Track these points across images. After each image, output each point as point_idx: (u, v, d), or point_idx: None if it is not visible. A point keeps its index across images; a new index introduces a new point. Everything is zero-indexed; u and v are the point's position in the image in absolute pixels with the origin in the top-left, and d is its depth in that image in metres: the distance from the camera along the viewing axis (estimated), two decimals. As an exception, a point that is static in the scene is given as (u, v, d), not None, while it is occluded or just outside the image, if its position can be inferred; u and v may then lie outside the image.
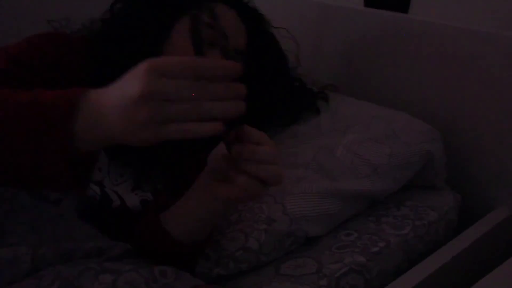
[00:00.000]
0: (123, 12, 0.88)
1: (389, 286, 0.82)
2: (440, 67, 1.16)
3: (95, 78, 0.68)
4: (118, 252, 0.73)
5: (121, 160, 0.84)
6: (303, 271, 0.82)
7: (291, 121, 1.07)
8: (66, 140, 0.52)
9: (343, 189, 0.90)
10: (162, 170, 0.88)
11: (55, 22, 1.22)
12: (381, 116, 1.06)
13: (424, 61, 1.18)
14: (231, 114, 0.52)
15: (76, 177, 0.55)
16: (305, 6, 1.43)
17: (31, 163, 0.54)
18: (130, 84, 0.50)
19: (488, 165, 1.10)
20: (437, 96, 1.18)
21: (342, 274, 0.81)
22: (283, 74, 1.05)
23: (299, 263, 0.85)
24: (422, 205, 1.00)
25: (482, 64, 1.08)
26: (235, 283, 0.83)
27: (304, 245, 0.89)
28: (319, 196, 0.89)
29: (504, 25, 1.15)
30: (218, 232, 0.85)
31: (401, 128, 1.03)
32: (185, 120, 0.50)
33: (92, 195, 0.82)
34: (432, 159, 1.02)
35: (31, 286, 0.63)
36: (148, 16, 0.84)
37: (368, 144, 0.98)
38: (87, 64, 0.81)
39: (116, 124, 0.51)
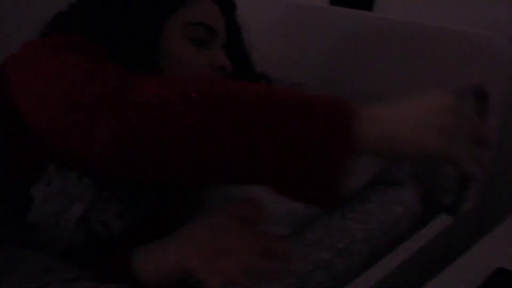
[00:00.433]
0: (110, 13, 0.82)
1: (354, 281, 0.84)
2: (405, 64, 1.18)
3: None
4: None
5: (113, 185, 0.76)
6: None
7: None
8: (348, 146, 0.52)
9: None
10: (155, 194, 0.82)
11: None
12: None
13: (390, 58, 1.20)
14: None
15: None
16: (272, 5, 1.43)
17: (298, 165, 0.51)
18: (429, 97, 0.55)
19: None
20: (403, 93, 1.19)
21: (308, 272, 0.82)
22: (250, 70, 1.05)
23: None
24: (387, 200, 1.01)
25: (446, 61, 1.11)
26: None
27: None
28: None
29: (467, 21, 1.17)
30: None
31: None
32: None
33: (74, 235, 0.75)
34: (396, 156, 1.03)
35: None
36: (138, 15, 0.80)
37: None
38: None
39: (407, 131, 0.52)
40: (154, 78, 0.60)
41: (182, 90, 0.55)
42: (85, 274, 0.67)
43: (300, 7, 1.38)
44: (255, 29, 1.08)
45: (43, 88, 0.64)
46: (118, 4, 0.81)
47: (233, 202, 0.54)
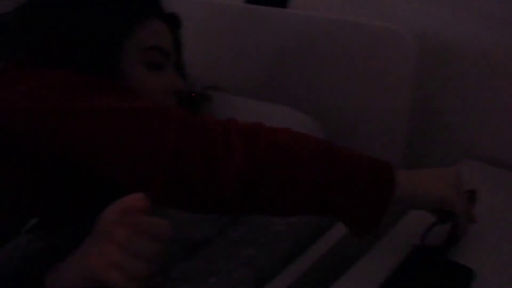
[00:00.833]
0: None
1: (280, 275, 0.84)
2: (318, 58, 1.20)
3: None
4: None
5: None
6: (192, 272, 0.81)
7: None
8: (392, 192, 0.69)
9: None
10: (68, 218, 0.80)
11: None
12: (262, 112, 1.08)
13: (304, 52, 1.22)
14: None
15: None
16: (189, 5, 1.42)
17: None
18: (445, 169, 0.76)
19: (370, 151, 1.15)
20: (320, 88, 1.22)
21: (231, 269, 0.82)
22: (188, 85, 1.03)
23: (189, 265, 0.84)
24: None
25: (357, 54, 1.14)
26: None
27: (194, 249, 0.88)
28: None
29: (376, 17, 1.21)
30: None
31: (281, 122, 1.03)
32: None
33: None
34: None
35: None
36: (90, 42, 0.77)
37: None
38: None
39: (435, 191, 0.72)
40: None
41: (308, 144, 0.69)
42: None
43: (214, 6, 1.38)
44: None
45: (133, 146, 0.64)
46: (73, 29, 0.77)
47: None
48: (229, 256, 0.84)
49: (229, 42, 1.37)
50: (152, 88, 0.81)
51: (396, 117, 1.10)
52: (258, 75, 1.34)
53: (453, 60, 1.14)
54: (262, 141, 0.66)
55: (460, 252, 0.81)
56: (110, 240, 0.51)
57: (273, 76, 1.31)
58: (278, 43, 1.27)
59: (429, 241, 0.80)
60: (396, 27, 1.07)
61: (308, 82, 1.23)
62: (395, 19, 1.17)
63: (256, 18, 1.29)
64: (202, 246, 0.89)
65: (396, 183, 0.69)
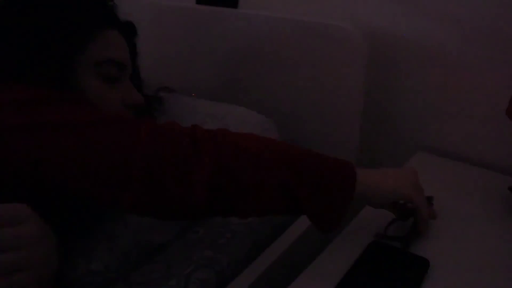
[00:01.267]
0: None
1: (241, 274, 0.84)
2: (271, 56, 1.21)
3: None
4: None
5: None
6: (152, 276, 0.80)
7: None
8: (351, 192, 0.72)
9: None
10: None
11: None
12: (215, 113, 1.08)
13: (257, 53, 1.22)
14: None
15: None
16: (138, 7, 1.40)
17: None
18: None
19: (325, 147, 1.17)
20: (273, 87, 1.22)
21: (191, 271, 0.81)
22: (140, 87, 1.00)
23: (149, 269, 0.82)
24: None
25: (308, 51, 1.15)
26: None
27: (154, 252, 0.87)
28: None
29: (326, 15, 1.23)
30: (60, 260, 0.80)
31: (235, 122, 1.05)
32: None
33: None
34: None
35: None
36: (47, 49, 0.75)
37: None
38: None
39: (396, 188, 0.77)
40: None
41: (273, 146, 0.72)
42: None
43: (166, 8, 1.37)
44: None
45: (96, 160, 0.63)
46: (23, 44, 0.74)
47: None
48: (188, 258, 0.83)
49: (181, 43, 1.36)
50: (109, 101, 0.80)
51: (349, 113, 1.12)
52: (211, 76, 1.33)
53: (403, 56, 1.17)
54: (230, 146, 0.68)
55: (415, 243, 0.83)
56: None
57: (226, 77, 1.31)
58: (229, 44, 1.27)
59: (390, 234, 0.84)
60: (345, 25, 1.08)
61: (260, 81, 1.23)
62: (345, 18, 1.19)
63: (208, 19, 1.29)
64: (161, 249, 0.88)
65: (357, 181, 0.73)
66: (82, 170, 0.63)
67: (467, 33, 1.06)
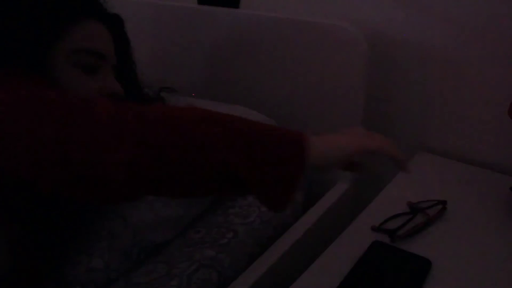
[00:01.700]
0: None
1: (242, 274, 0.84)
2: (272, 57, 1.21)
3: None
4: None
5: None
6: (153, 276, 0.80)
7: None
8: (303, 163, 0.65)
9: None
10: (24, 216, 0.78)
11: None
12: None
13: (258, 53, 1.22)
14: None
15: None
16: (140, 7, 1.40)
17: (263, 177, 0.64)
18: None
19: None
20: (274, 86, 1.22)
21: (193, 271, 0.81)
22: (139, 88, 1.00)
23: (150, 269, 0.82)
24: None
25: (309, 50, 1.15)
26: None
27: (155, 251, 0.87)
28: (159, 203, 0.88)
29: (326, 15, 1.23)
30: (61, 258, 0.80)
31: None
32: None
33: None
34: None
35: None
36: (26, 34, 0.76)
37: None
38: None
39: (350, 143, 0.72)
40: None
41: (211, 122, 0.65)
42: None
43: (168, 8, 1.37)
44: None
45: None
46: (4, 27, 0.75)
47: None
48: (190, 258, 0.83)
49: (181, 43, 1.35)
50: (86, 90, 0.79)
51: (350, 112, 1.12)
52: (211, 76, 1.33)
53: (404, 56, 1.17)
54: (159, 123, 0.63)
55: (417, 243, 0.83)
56: None
57: (226, 76, 1.31)
58: (230, 44, 1.27)
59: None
60: (345, 25, 1.08)
61: (261, 81, 1.24)
62: (346, 18, 1.19)
63: (209, 19, 1.29)
64: (163, 248, 0.88)
65: (307, 150, 0.67)
66: (8, 151, 0.60)
67: (467, 33, 1.06)
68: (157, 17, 1.40)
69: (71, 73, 0.77)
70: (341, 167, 0.76)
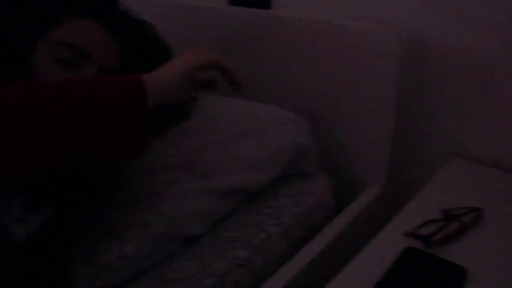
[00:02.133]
0: None
1: (275, 275, 0.84)
2: (303, 59, 1.20)
3: None
4: None
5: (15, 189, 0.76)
6: (187, 273, 0.81)
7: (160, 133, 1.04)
8: (144, 103, 0.68)
9: (216, 186, 0.91)
10: (55, 199, 0.81)
11: None
12: (249, 111, 1.09)
13: (288, 54, 1.22)
14: None
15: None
16: (170, 8, 1.41)
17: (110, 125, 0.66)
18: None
19: (358, 148, 1.17)
20: (307, 87, 1.22)
21: (226, 271, 0.81)
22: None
23: (183, 266, 0.83)
24: (298, 192, 1.03)
25: (341, 54, 1.14)
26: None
27: (187, 246, 0.88)
28: (193, 195, 0.89)
29: (359, 17, 1.22)
30: (94, 243, 0.82)
31: (269, 121, 1.05)
32: None
33: None
34: (301, 149, 1.05)
35: None
36: (11, 33, 0.80)
37: (237, 140, 0.99)
38: None
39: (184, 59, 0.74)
40: None
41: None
42: None
43: (198, 9, 1.37)
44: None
45: None
46: None
47: None
48: (223, 257, 0.84)
49: (213, 45, 1.35)
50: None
51: (381, 116, 1.11)
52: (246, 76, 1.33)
53: (438, 61, 1.15)
54: (21, 97, 0.64)
55: (452, 250, 0.82)
56: None
57: (260, 78, 1.30)
58: (262, 45, 1.27)
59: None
60: (378, 27, 1.08)
61: (293, 82, 1.23)
62: (379, 21, 1.17)
63: (240, 21, 1.29)
64: (194, 244, 0.89)
65: (143, 93, 0.68)
66: None
67: (505, 37, 1.04)
68: (186, 18, 1.40)
69: (50, 66, 0.79)
70: (192, 89, 0.77)
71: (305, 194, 1.02)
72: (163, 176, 0.91)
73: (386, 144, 1.13)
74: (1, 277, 0.71)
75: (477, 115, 1.14)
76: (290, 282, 0.82)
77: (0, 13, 0.80)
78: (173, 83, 0.72)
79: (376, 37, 1.07)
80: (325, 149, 1.15)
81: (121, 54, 0.88)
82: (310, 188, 1.05)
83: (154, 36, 0.95)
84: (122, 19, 0.90)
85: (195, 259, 0.84)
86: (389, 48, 1.06)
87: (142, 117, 0.68)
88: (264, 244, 0.88)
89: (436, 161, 1.20)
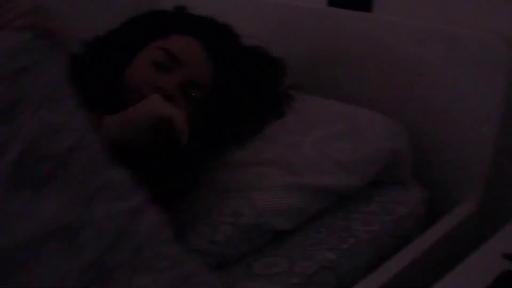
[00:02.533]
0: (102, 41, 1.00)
1: (360, 282, 0.83)
2: (404, 65, 1.17)
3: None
4: None
5: None
6: (274, 270, 0.82)
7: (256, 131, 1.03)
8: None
9: (309, 184, 0.91)
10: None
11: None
12: (345, 113, 1.07)
13: (388, 58, 1.20)
14: None
15: None
16: (268, 8, 1.42)
17: None
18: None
19: (453, 160, 1.12)
20: (402, 93, 1.19)
21: (314, 272, 0.81)
22: (255, 90, 1.03)
23: (271, 262, 0.84)
24: (390, 200, 1.00)
25: (444, 61, 1.10)
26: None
27: (275, 243, 0.89)
28: (284, 190, 0.89)
29: (466, 22, 1.17)
30: (186, 227, 0.85)
31: (366, 124, 1.04)
32: None
33: None
34: (397, 155, 1.03)
35: None
36: (119, 47, 0.96)
37: (333, 141, 0.98)
38: None
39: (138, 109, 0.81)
40: None
41: None
42: None
43: (297, 9, 1.37)
44: (251, 32, 1.07)
45: None
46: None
47: None
48: (311, 258, 0.84)
49: (310, 45, 1.35)
50: (140, 76, 0.90)
51: (485, 128, 1.06)
52: (339, 78, 1.32)
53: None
54: None
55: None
56: None
57: (354, 80, 1.28)
58: (360, 48, 1.25)
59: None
60: (486, 34, 1.04)
61: (393, 88, 1.20)
62: (486, 27, 1.12)
63: (340, 22, 1.28)
64: (282, 241, 0.89)
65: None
66: None
67: None
68: (285, 18, 1.41)
69: (142, 63, 0.91)
70: (148, 134, 0.80)
71: (397, 203, 1.00)
72: (256, 169, 0.92)
73: (486, 158, 1.08)
74: None
75: None
76: (377, 291, 0.81)
77: (126, 24, 1.00)
78: (133, 126, 0.79)
79: (485, 44, 1.03)
80: (417, 157, 1.11)
81: (217, 77, 0.95)
82: (403, 197, 1.02)
83: (260, 64, 1.03)
84: (226, 44, 1.00)
85: (283, 256, 0.85)
86: (497, 56, 1.02)
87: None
88: (353, 249, 0.88)
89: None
